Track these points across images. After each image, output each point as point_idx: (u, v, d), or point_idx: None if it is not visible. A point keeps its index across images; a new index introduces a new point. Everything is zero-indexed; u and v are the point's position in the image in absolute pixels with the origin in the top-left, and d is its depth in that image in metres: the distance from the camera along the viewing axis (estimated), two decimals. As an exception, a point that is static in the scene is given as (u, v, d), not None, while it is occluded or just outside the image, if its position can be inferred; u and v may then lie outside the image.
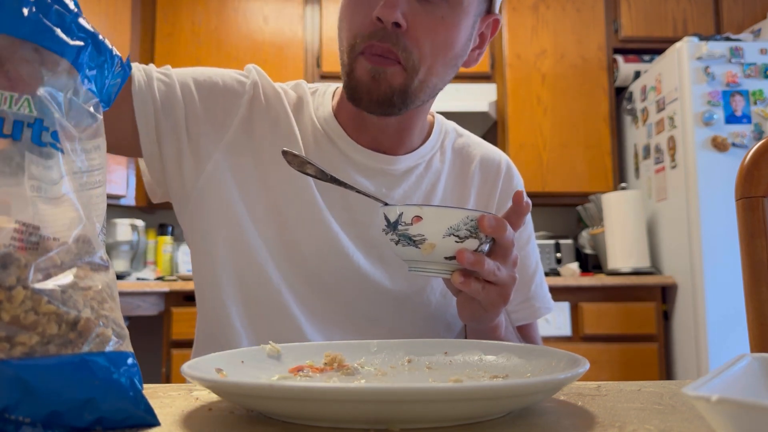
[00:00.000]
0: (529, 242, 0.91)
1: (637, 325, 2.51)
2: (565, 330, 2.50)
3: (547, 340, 2.48)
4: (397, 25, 0.71)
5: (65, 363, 0.36)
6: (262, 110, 0.83)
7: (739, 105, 2.43)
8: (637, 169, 2.90)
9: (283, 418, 0.41)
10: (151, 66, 0.81)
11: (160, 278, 2.84)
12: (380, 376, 0.55)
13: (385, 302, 0.81)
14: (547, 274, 2.68)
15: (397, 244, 0.62)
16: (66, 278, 0.38)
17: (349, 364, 0.57)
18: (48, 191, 0.38)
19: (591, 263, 2.95)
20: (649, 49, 2.97)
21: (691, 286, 2.40)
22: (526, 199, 0.64)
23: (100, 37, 0.43)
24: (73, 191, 0.40)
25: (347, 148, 0.83)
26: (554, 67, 2.96)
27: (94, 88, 0.43)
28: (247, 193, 0.80)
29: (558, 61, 2.97)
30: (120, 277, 2.77)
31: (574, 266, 2.67)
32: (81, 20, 0.42)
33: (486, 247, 0.62)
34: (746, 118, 2.42)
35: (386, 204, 0.62)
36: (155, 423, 0.40)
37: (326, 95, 0.88)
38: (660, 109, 2.64)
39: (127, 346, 0.41)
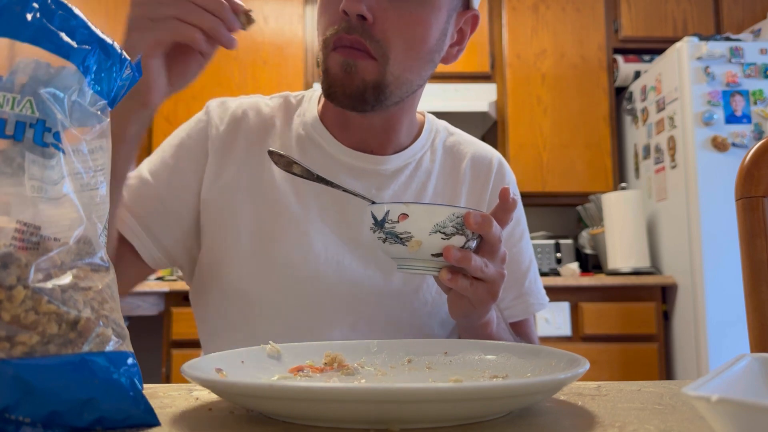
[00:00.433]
0: (522, 239, 0.91)
1: (637, 325, 2.51)
2: (565, 330, 2.50)
3: (547, 340, 2.48)
4: (363, 18, 0.71)
5: (65, 363, 0.36)
6: (231, 135, 0.85)
7: (739, 105, 2.43)
8: (637, 169, 2.90)
9: (283, 418, 0.41)
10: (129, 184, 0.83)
11: (160, 278, 2.84)
12: (380, 376, 0.55)
13: (381, 303, 0.81)
14: (547, 274, 2.68)
15: (384, 242, 0.62)
16: (66, 278, 0.38)
17: (349, 364, 0.57)
18: (49, 191, 0.39)
19: (591, 263, 2.95)
20: (649, 49, 2.97)
21: (691, 286, 2.40)
22: (512, 195, 0.64)
23: (109, 40, 0.43)
24: (74, 192, 0.40)
25: (334, 151, 0.84)
26: (554, 67, 2.96)
27: (101, 91, 0.43)
28: (233, 214, 0.81)
29: (558, 61, 2.97)
30: (120, 277, 2.76)
31: (574, 266, 2.67)
32: (88, 24, 0.42)
33: (473, 244, 0.62)
34: (746, 118, 2.42)
35: (373, 202, 0.63)
36: (155, 423, 0.40)
37: (312, 100, 0.89)
38: (660, 109, 2.64)
39: (127, 346, 0.41)
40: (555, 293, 2.50)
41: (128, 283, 0.84)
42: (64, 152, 0.40)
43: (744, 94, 2.44)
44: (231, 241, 0.81)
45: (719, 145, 2.40)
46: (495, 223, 0.61)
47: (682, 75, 2.46)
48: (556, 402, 0.47)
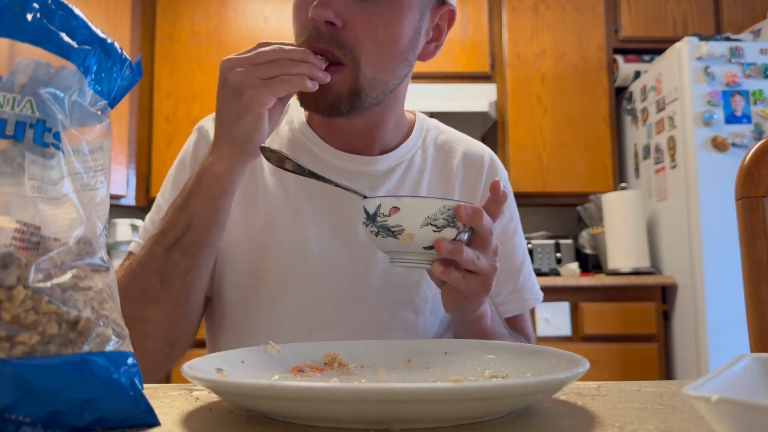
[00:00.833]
0: (516, 234, 0.92)
1: (637, 325, 2.51)
2: (565, 330, 2.50)
3: (547, 340, 2.48)
4: (331, 24, 0.71)
5: (65, 363, 0.36)
6: None
7: (739, 105, 2.43)
8: (637, 169, 2.90)
9: (283, 418, 0.41)
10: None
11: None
12: (380, 376, 0.55)
13: (382, 301, 0.81)
14: (547, 274, 2.68)
15: (377, 236, 0.63)
16: (66, 278, 0.38)
17: (349, 364, 0.57)
18: (49, 191, 0.39)
19: (591, 263, 2.95)
20: (649, 49, 2.97)
21: (691, 286, 2.40)
22: (502, 188, 0.64)
23: (109, 40, 0.43)
24: (74, 192, 0.40)
25: (324, 154, 0.84)
26: (554, 67, 2.96)
27: (101, 90, 0.43)
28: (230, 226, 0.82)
29: (558, 61, 2.96)
30: (120, 277, 2.76)
31: (574, 266, 2.67)
32: (88, 24, 0.42)
33: (465, 237, 0.62)
34: (746, 118, 2.42)
35: (365, 197, 0.63)
36: (155, 423, 0.40)
37: (298, 106, 0.89)
38: (660, 109, 2.64)
39: (128, 346, 0.41)
40: (555, 293, 2.50)
41: (199, 318, 0.84)
42: (64, 152, 0.40)
43: (744, 94, 2.44)
44: (228, 254, 0.82)
45: (719, 145, 2.40)
46: (486, 215, 0.62)
47: (682, 75, 2.46)
48: (556, 402, 0.47)
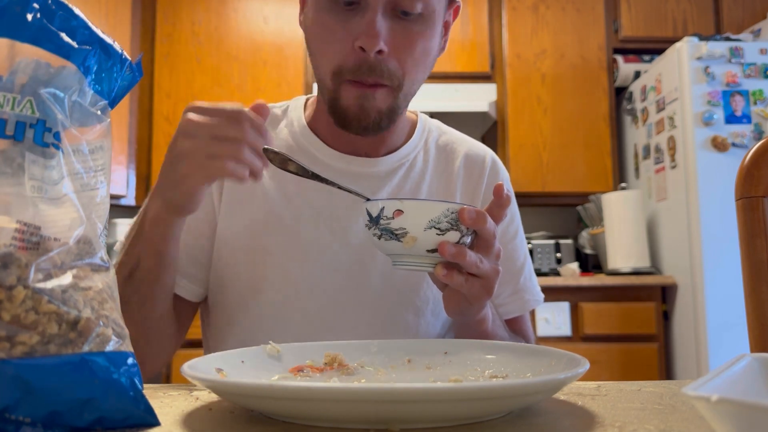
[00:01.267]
0: (517, 235, 0.92)
1: (637, 325, 2.51)
2: (565, 330, 2.50)
3: (547, 340, 2.48)
4: (379, 51, 0.72)
5: (65, 363, 0.36)
6: None
7: (739, 105, 2.43)
8: (637, 169, 2.90)
9: (283, 418, 0.41)
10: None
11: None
12: (380, 376, 0.55)
13: (382, 303, 0.81)
14: (547, 274, 2.68)
15: (380, 239, 0.62)
16: (66, 278, 0.38)
17: (349, 364, 0.57)
18: (49, 191, 0.39)
19: (591, 263, 2.95)
20: (649, 49, 2.97)
21: (691, 286, 2.40)
22: (506, 191, 0.64)
23: (110, 40, 0.43)
24: (74, 192, 0.40)
25: (326, 157, 0.84)
26: (554, 67, 2.96)
27: (102, 90, 0.43)
28: (229, 231, 0.83)
29: (558, 61, 2.96)
30: (120, 277, 2.76)
31: (574, 266, 2.67)
32: (89, 24, 0.42)
33: (468, 240, 0.62)
34: (746, 118, 2.42)
35: (368, 199, 0.63)
36: (155, 423, 0.40)
37: (297, 109, 0.89)
38: (660, 109, 2.64)
39: (128, 346, 0.41)
40: (555, 293, 2.50)
41: (185, 324, 0.85)
42: (64, 152, 0.40)
43: (744, 94, 2.44)
44: (227, 259, 0.83)
45: (719, 145, 2.40)
46: (489, 218, 0.61)
47: (682, 75, 2.46)
48: (556, 402, 0.47)
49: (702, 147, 2.40)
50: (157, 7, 2.96)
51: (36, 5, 0.39)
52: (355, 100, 0.74)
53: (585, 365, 0.44)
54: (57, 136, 0.39)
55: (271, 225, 0.82)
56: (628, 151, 2.99)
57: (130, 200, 2.84)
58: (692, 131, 2.41)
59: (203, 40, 2.95)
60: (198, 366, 0.47)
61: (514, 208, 0.92)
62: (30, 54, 0.39)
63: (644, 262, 2.62)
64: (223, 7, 2.98)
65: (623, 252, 2.63)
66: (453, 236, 0.60)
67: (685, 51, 2.46)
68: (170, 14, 2.96)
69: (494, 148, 3.00)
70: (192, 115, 0.61)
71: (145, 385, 0.42)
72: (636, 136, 2.89)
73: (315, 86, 2.78)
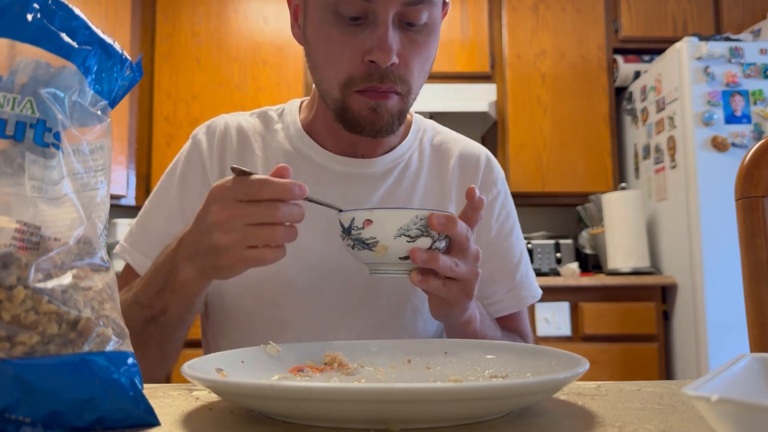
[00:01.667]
0: (513, 233, 0.92)
1: (637, 325, 2.51)
2: (565, 330, 2.50)
3: (547, 340, 2.48)
4: (391, 63, 0.73)
5: (65, 363, 0.36)
6: (221, 156, 0.86)
7: (738, 105, 2.43)
8: (637, 169, 2.90)
9: (283, 418, 0.41)
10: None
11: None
12: (380, 376, 0.55)
13: (378, 304, 0.82)
14: (547, 274, 2.68)
15: (353, 249, 0.63)
16: (66, 278, 0.38)
17: (349, 364, 0.57)
18: (49, 191, 0.39)
19: (591, 263, 2.95)
20: (649, 49, 2.97)
21: (691, 286, 2.40)
22: (478, 194, 0.65)
23: (110, 40, 0.43)
24: (74, 192, 0.40)
25: (322, 159, 0.84)
26: (554, 67, 2.96)
27: (102, 91, 0.43)
28: None
29: (558, 61, 2.96)
30: (120, 277, 2.76)
31: (574, 266, 2.67)
32: (89, 24, 0.42)
33: (442, 245, 0.63)
34: (746, 118, 2.42)
35: (340, 210, 0.64)
36: (155, 423, 0.40)
37: (292, 112, 0.90)
38: (660, 109, 2.64)
39: (128, 346, 0.41)
40: (555, 293, 2.50)
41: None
42: (64, 152, 0.40)
43: (744, 94, 2.44)
44: None
45: (719, 145, 2.40)
46: (460, 222, 0.62)
47: (682, 75, 2.46)
48: (556, 402, 0.47)
49: (702, 147, 2.40)
50: (157, 7, 2.96)
51: (36, 5, 0.39)
52: (366, 108, 0.75)
53: (585, 365, 0.44)
54: (57, 136, 0.39)
55: None
56: (628, 151, 2.99)
57: (130, 200, 2.84)
58: (692, 131, 2.41)
59: (203, 40, 2.95)
60: (198, 366, 0.47)
61: (510, 205, 0.93)
62: (30, 54, 0.39)
63: (644, 262, 2.62)
64: (223, 8, 2.98)
65: (623, 252, 2.63)
66: (424, 242, 0.61)
67: (685, 51, 2.46)
68: (170, 14, 2.96)
69: (494, 148, 3.00)
70: (219, 207, 0.60)
71: (145, 385, 0.42)
72: (636, 136, 2.89)
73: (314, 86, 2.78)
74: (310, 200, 0.66)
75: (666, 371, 2.52)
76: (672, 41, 2.67)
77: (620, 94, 3.08)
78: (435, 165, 0.90)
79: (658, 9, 2.97)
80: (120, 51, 0.44)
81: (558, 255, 2.82)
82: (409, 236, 0.60)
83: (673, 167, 2.53)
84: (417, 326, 0.83)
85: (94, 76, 0.42)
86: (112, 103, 0.45)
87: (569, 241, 2.87)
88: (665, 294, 2.58)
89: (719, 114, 2.41)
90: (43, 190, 0.38)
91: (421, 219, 0.60)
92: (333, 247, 0.81)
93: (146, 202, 0.87)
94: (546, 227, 3.14)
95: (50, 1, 0.40)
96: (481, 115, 3.01)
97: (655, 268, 2.67)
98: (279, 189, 0.58)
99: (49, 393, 0.35)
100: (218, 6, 2.98)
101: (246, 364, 0.53)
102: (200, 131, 0.89)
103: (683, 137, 2.46)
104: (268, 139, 0.87)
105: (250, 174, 0.60)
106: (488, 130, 3.18)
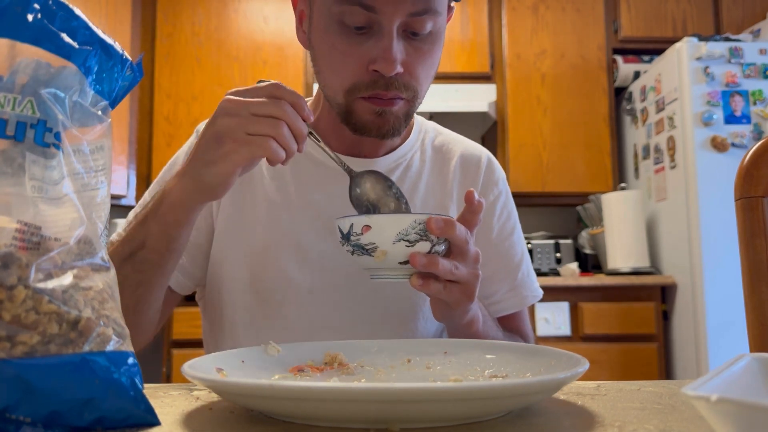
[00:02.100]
0: (514, 233, 0.92)
1: (637, 325, 2.51)
2: (565, 330, 2.50)
3: (547, 340, 2.48)
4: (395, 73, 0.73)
5: (66, 363, 0.36)
6: None
7: (738, 105, 2.43)
8: (636, 169, 2.90)
9: (283, 418, 0.41)
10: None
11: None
12: (380, 376, 0.55)
13: (382, 302, 0.82)
14: (546, 274, 2.68)
15: (353, 255, 0.63)
16: (67, 278, 0.38)
17: (349, 364, 0.57)
18: (49, 192, 0.39)
19: (591, 263, 2.95)
20: (649, 49, 2.97)
21: (690, 286, 2.40)
22: (477, 197, 0.65)
23: (110, 41, 0.43)
24: (75, 192, 0.40)
25: (326, 158, 0.84)
26: (554, 67, 2.96)
27: (102, 91, 0.43)
28: (226, 234, 0.83)
29: (558, 61, 2.97)
30: (120, 277, 2.76)
31: (574, 266, 2.67)
32: (89, 25, 0.42)
33: (441, 248, 0.63)
34: (746, 118, 2.42)
35: (349, 172, 0.65)
36: (156, 423, 0.40)
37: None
38: (659, 110, 2.64)
39: (128, 346, 0.41)
40: (555, 293, 2.50)
41: (166, 313, 0.85)
42: (64, 152, 0.40)
43: (743, 94, 2.44)
44: (226, 258, 0.83)
45: (719, 145, 2.40)
46: (459, 225, 0.62)
47: (682, 75, 2.46)
48: (556, 402, 0.47)
49: (701, 147, 2.40)
50: (157, 7, 2.96)
51: (36, 6, 0.39)
52: (371, 113, 0.75)
53: (585, 365, 0.44)
54: (57, 136, 0.39)
55: (271, 226, 0.82)
56: (628, 151, 2.99)
57: (130, 200, 2.84)
58: (692, 131, 2.41)
59: (203, 40, 2.95)
60: (198, 366, 0.47)
61: (510, 206, 0.93)
62: (30, 54, 0.39)
63: (644, 262, 2.62)
64: (224, 8, 2.98)
65: (623, 252, 2.63)
66: (423, 246, 0.61)
67: (684, 51, 2.46)
68: (170, 14, 2.96)
69: (494, 148, 3.00)
70: (232, 97, 0.63)
71: (145, 385, 0.42)
72: (636, 136, 2.89)
73: (315, 86, 2.78)
74: (313, 136, 0.67)
75: (666, 371, 2.52)
76: (672, 41, 2.68)
77: (620, 94, 3.08)
78: (436, 166, 0.90)
79: (657, 9, 2.97)
80: (120, 51, 0.44)
81: (558, 255, 2.82)
82: (408, 241, 0.60)
83: (673, 167, 2.53)
84: (417, 326, 0.83)
85: (94, 77, 0.42)
86: (113, 103, 0.45)
87: (569, 241, 2.87)
88: (665, 294, 2.58)
89: (719, 114, 2.41)
90: (44, 190, 0.38)
91: (420, 223, 0.60)
92: (334, 247, 0.81)
93: (145, 194, 0.87)
94: (546, 227, 3.14)
95: (51, 2, 0.40)
96: (481, 115, 3.01)
97: (654, 268, 2.67)
98: (291, 94, 0.62)
99: (50, 393, 0.35)
100: (218, 6, 2.98)
101: (246, 363, 0.53)
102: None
103: (683, 137, 2.46)
104: None
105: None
106: (488, 130, 3.18)
